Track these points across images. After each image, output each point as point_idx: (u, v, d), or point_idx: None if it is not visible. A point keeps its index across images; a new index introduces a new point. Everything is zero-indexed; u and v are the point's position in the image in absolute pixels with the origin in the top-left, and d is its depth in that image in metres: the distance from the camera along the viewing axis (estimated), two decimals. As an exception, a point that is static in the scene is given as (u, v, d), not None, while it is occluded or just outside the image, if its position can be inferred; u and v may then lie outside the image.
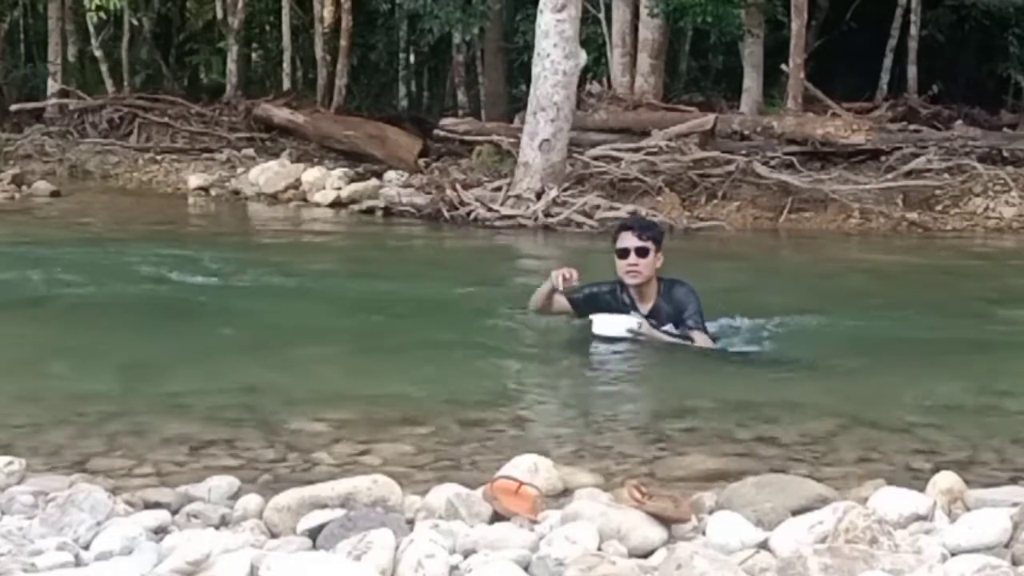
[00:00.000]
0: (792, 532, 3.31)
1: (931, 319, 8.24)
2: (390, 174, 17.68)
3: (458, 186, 15.07)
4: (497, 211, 14.22)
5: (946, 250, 12.92)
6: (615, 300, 6.47)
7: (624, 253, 6.31)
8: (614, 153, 15.56)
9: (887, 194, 14.71)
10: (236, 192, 17.87)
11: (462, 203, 14.59)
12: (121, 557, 3.16)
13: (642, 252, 6.29)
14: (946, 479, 3.72)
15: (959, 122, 17.92)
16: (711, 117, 16.33)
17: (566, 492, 3.88)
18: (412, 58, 26.97)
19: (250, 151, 20.71)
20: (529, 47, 15.71)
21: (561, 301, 6.62)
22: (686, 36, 21.57)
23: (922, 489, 3.65)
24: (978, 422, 5.15)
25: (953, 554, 3.17)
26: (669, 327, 6.35)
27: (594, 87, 18.75)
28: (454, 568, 3.08)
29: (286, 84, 24.34)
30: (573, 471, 4.17)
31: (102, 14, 21.89)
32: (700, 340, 6.33)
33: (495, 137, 17.18)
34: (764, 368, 6.32)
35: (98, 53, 24.56)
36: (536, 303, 6.73)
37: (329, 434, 4.77)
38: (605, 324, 6.21)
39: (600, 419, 5.22)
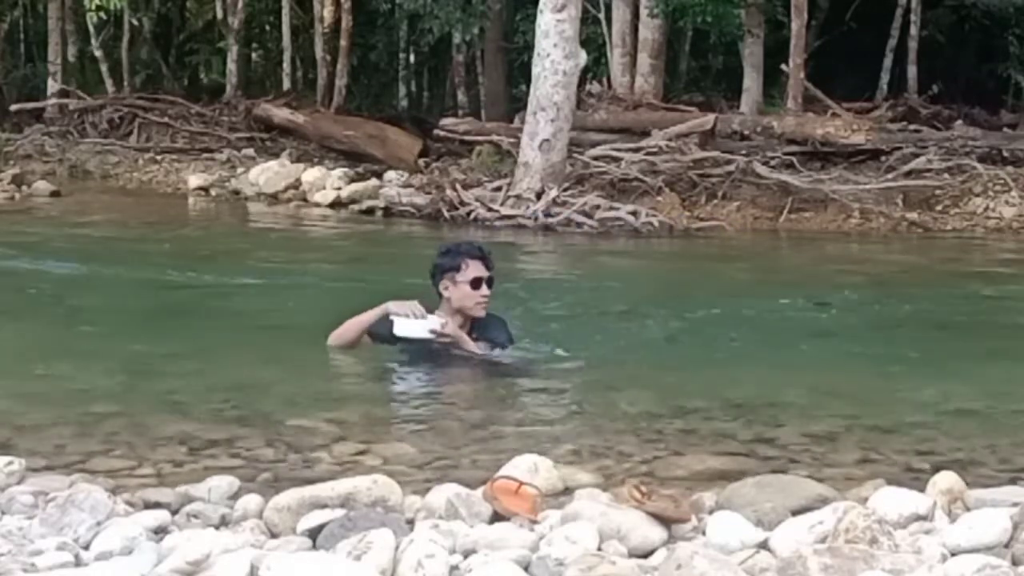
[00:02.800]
0: (792, 532, 3.31)
1: (931, 319, 8.24)
2: (390, 174, 17.68)
3: (458, 186, 15.08)
4: (497, 211, 14.23)
5: (946, 250, 12.92)
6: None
7: (478, 283, 5.94)
8: (614, 153, 15.56)
9: (887, 194, 14.71)
10: (236, 192, 17.87)
11: (462, 203, 14.59)
12: (121, 557, 3.15)
13: (491, 282, 5.99)
14: (946, 479, 3.72)
15: (959, 122, 17.90)
16: (711, 117, 16.34)
17: (566, 492, 3.88)
18: (412, 58, 26.95)
19: (250, 151, 20.70)
20: (529, 47, 15.71)
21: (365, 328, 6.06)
22: (686, 36, 21.56)
23: (922, 489, 3.65)
24: (978, 422, 5.15)
25: (953, 554, 3.17)
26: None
27: (594, 87, 18.75)
28: (454, 568, 3.08)
29: (286, 84, 24.33)
30: (573, 471, 4.16)
31: (102, 14, 21.89)
32: (501, 355, 6.10)
33: (495, 137, 17.18)
34: (761, 369, 6.32)
35: (98, 53, 24.55)
36: (348, 337, 6.06)
37: (329, 434, 4.77)
38: (407, 326, 5.83)
39: (600, 419, 5.22)
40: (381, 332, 5.93)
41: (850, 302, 8.80)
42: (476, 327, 6.02)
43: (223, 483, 3.79)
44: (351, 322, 6.03)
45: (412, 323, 5.81)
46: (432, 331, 5.79)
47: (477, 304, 5.97)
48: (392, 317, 5.83)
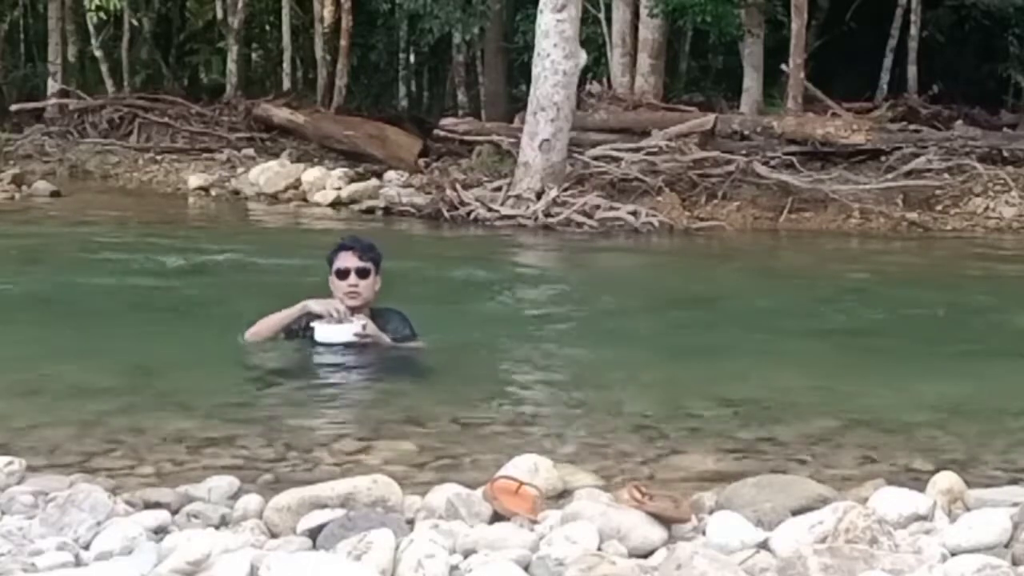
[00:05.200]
0: (792, 532, 3.31)
1: (931, 319, 8.24)
2: (390, 174, 17.68)
3: (458, 186, 15.07)
4: (497, 211, 14.23)
5: (946, 250, 12.92)
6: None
7: (344, 274, 5.89)
8: (614, 153, 15.56)
9: (887, 194, 14.71)
10: (236, 192, 17.88)
11: (462, 203, 14.59)
12: (121, 557, 3.15)
13: (363, 273, 5.90)
14: (946, 479, 3.72)
15: (959, 122, 17.89)
16: (711, 117, 16.34)
17: (566, 492, 3.88)
18: (412, 58, 26.97)
19: (250, 151, 20.71)
20: (529, 47, 15.71)
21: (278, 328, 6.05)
22: (686, 36, 21.57)
23: (922, 489, 3.65)
24: (978, 422, 5.15)
25: (953, 554, 3.17)
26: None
27: (594, 87, 18.75)
28: (454, 568, 3.08)
29: (286, 84, 24.34)
30: (573, 471, 4.16)
31: (102, 14, 21.93)
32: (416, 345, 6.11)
33: (495, 137, 17.18)
34: (761, 368, 6.32)
35: (98, 53, 24.57)
36: (265, 334, 6.02)
37: (329, 434, 4.77)
38: (328, 331, 5.81)
39: (600, 419, 5.22)
40: (297, 329, 5.94)
41: (849, 302, 8.80)
42: (376, 322, 5.94)
43: (223, 483, 3.79)
44: (269, 319, 6.00)
45: (333, 328, 5.80)
46: (356, 335, 5.78)
47: (345, 295, 5.90)
48: (312, 324, 5.83)
